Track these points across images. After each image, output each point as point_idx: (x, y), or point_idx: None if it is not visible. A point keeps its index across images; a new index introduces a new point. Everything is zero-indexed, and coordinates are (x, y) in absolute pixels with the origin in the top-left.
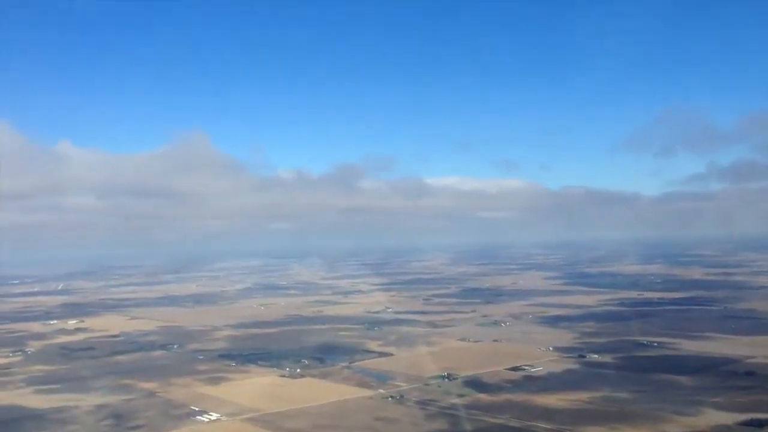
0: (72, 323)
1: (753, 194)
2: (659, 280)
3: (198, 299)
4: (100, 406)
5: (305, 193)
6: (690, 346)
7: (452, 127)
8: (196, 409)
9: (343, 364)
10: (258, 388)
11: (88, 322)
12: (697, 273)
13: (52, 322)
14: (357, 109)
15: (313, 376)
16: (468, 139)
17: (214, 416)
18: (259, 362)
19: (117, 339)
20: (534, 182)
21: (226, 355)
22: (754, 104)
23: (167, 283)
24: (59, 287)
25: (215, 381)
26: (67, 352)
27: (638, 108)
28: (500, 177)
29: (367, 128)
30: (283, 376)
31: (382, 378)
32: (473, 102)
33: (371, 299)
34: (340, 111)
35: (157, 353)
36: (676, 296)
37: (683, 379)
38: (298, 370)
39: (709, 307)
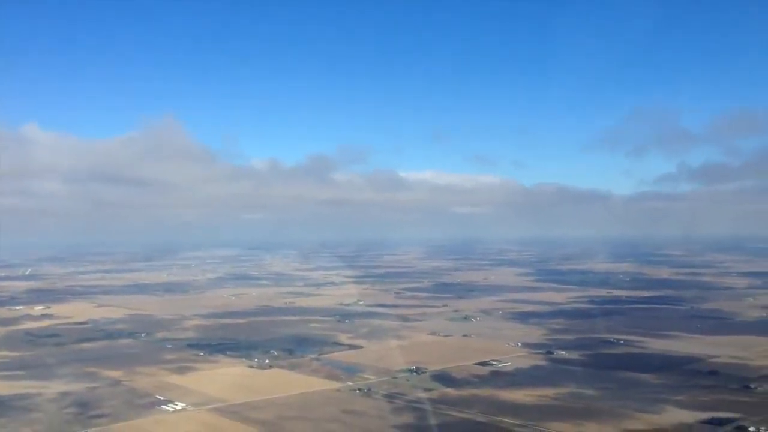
0: (38, 309)
1: (721, 196)
2: (628, 279)
3: (168, 288)
4: (63, 394)
5: (278, 184)
6: (656, 345)
7: (426, 120)
8: (162, 398)
9: (313, 356)
10: (226, 378)
11: (55, 309)
12: (665, 272)
13: (17, 308)
14: (330, 100)
15: (282, 367)
16: (442, 133)
17: (179, 406)
18: (228, 352)
19: (84, 326)
20: (508, 179)
21: (194, 345)
22: (724, 106)
23: (138, 271)
24: (26, 272)
25: (182, 370)
26: (33, 338)
27: (611, 107)
28: (475, 172)
29: (340, 119)
30: (252, 366)
31: (350, 370)
32: (447, 96)
33: (343, 291)
34: (314, 101)
35: (124, 341)
36: (645, 295)
37: (648, 377)
38: (267, 361)
39: (675, 307)
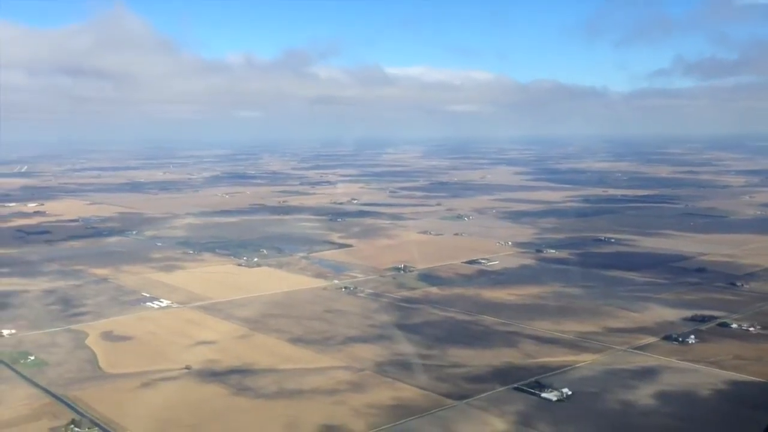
0: (31, 206)
1: (720, 93)
2: (626, 178)
3: (163, 186)
4: (48, 291)
5: (256, 79)
6: (646, 243)
7: (395, 8)
8: (147, 295)
9: (302, 255)
10: (213, 276)
11: (48, 206)
12: (663, 171)
13: (10, 205)
14: None
15: (270, 265)
16: (414, 21)
17: (164, 303)
18: (217, 251)
19: (74, 224)
20: (501, 75)
21: (184, 243)
22: None
23: (134, 169)
24: (22, 169)
25: (170, 268)
26: (23, 235)
27: None
28: (462, 68)
29: (308, 10)
30: (240, 265)
31: (338, 269)
32: None
33: (338, 190)
34: None
35: (114, 239)
36: (641, 194)
37: (635, 275)
38: (256, 260)
39: (670, 205)
